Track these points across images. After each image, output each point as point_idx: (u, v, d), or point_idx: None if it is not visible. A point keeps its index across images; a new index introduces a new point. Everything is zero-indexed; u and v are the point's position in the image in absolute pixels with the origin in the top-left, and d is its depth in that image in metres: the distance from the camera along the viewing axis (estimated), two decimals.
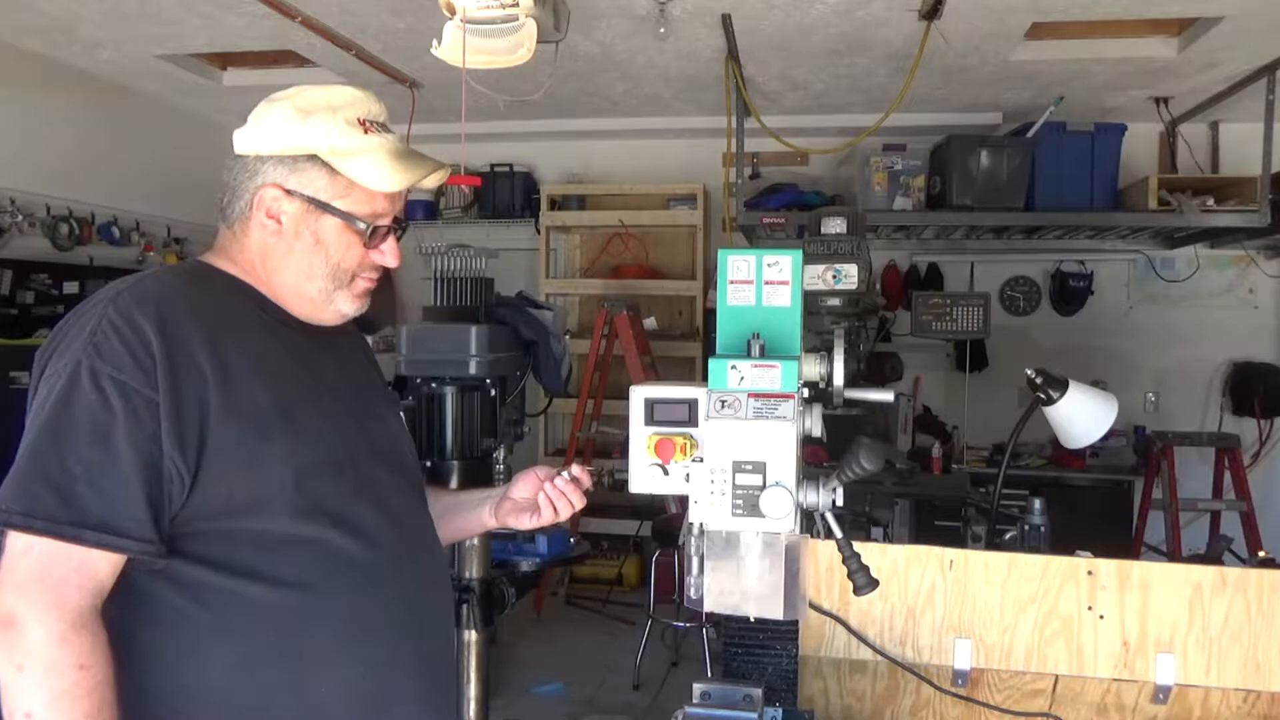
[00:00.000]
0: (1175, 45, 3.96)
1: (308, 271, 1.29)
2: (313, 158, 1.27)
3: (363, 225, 1.29)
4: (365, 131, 1.29)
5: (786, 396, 1.21)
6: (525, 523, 1.50)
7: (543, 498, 1.47)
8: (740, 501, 1.21)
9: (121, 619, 1.15)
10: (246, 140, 1.29)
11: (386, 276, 1.40)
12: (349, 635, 1.26)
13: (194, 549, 1.18)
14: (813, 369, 1.36)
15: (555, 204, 5.62)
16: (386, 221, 1.32)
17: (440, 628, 1.43)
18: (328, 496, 1.25)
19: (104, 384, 1.11)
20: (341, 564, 1.25)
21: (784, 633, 1.62)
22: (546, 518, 1.48)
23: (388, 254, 1.34)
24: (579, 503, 1.48)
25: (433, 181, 1.37)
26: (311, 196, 1.27)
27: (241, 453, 1.18)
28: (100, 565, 1.11)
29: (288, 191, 1.27)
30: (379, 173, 1.27)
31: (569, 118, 5.25)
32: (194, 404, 1.15)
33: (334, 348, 1.38)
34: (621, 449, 4.96)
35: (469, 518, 1.58)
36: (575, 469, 1.49)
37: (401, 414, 1.57)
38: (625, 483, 1.30)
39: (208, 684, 1.18)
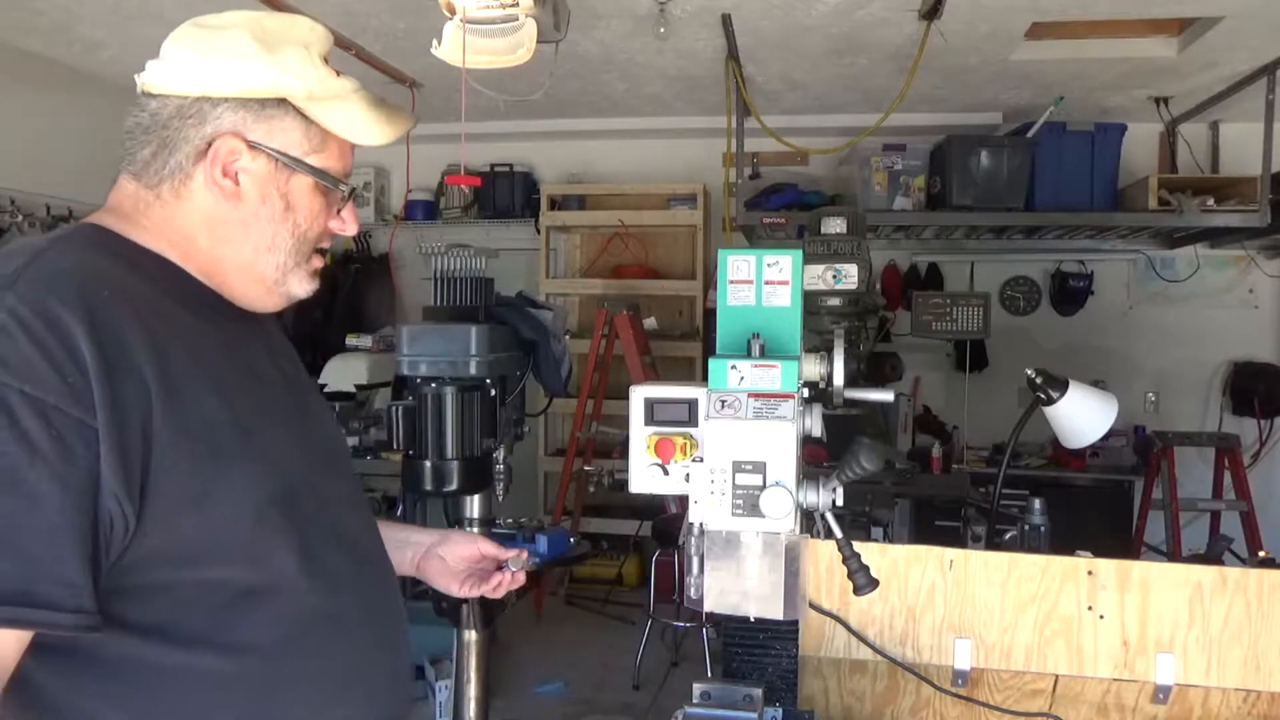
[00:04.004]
0: (1175, 45, 3.95)
1: (269, 244, 1.05)
2: (283, 103, 1.02)
3: (344, 188, 1.09)
4: (337, 74, 1.06)
5: (786, 396, 1.21)
6: (454, 589, 1.39)
7: (499, 581, 1.40)
8: (740, 501, 1.21)
9: None
10: (185, 75, 1.02)
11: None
12: (326, 697, 1.06)
13: (124, 613, 0.90)
14: (813, 369, 1.36)
15: (555, 204, 5.61)
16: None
17: (406, 661, 1.23)
18: (290, 531, 1.01)
19: (12, 403, 0.82)
20: (308, 613, 1.03)
21: (784, 633, 1.62)
22: (483, 592, 1.39)
23: (349, 222, 1.12)
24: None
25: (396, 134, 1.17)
26: (282, 151, 1.03)
27: (194, 484, 0.92)
28: (7, 644, 0.83)
29: (251, 145, 1.02)
30: (361, 124, 1.05)
31: (569, 118, 5.25)
32: (137, 421, 0.88)
33: (261, 335, 1.14)
34: (621, 449, 4.95)
35: None
36: (527, 563, 1.43)
37: (332, 407, 1.43)
38: (625, 483, 1.29)
39: None
